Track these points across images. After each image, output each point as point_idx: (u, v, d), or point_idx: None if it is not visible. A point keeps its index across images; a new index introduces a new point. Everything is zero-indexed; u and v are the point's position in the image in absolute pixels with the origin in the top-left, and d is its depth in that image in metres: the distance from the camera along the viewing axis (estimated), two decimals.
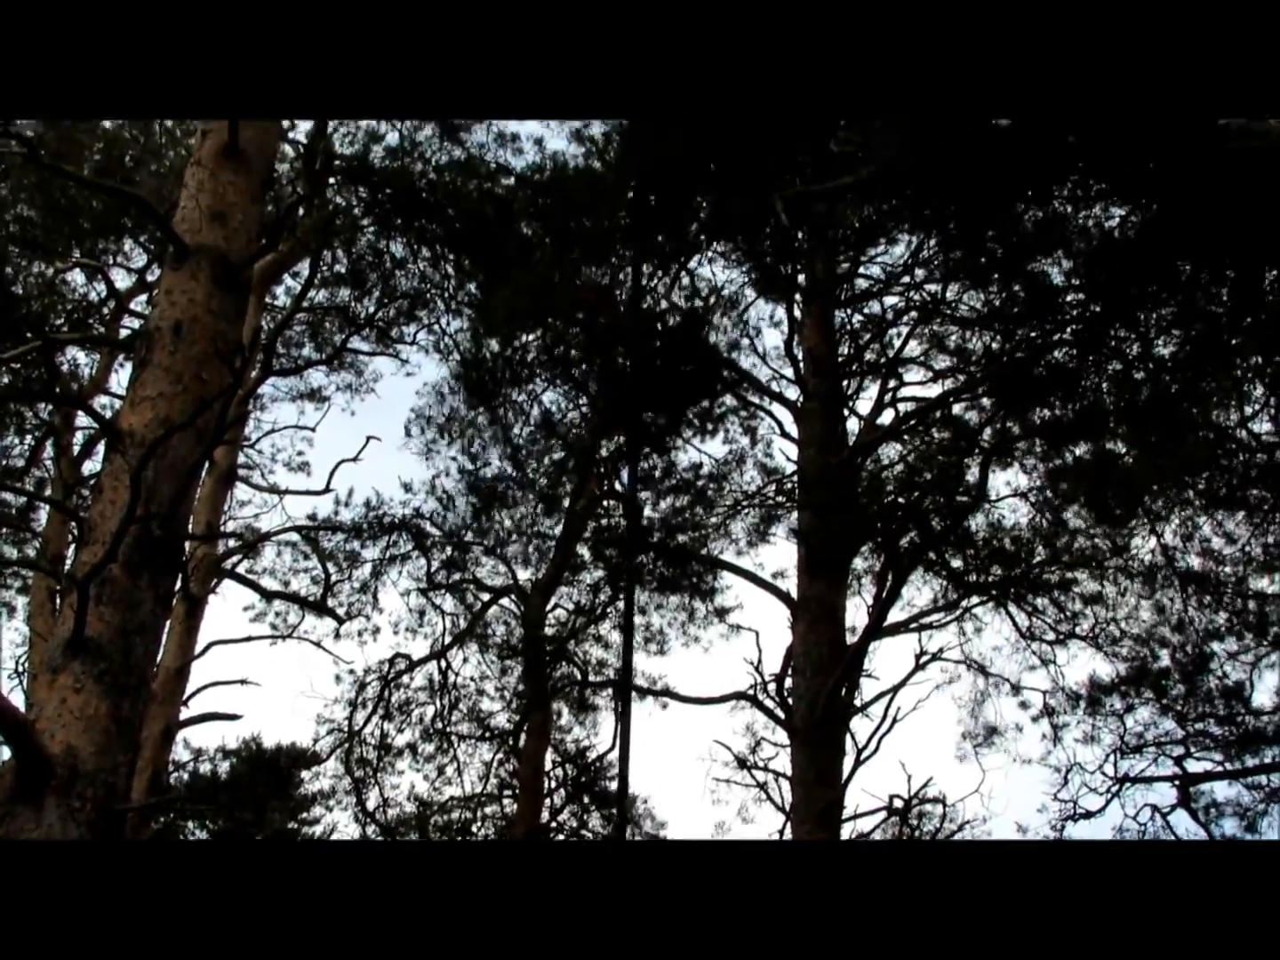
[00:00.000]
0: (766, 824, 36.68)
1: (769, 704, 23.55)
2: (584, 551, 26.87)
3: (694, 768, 54.38)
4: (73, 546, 22.15)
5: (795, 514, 23.58)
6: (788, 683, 22.45)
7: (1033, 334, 19.85)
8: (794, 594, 22.54)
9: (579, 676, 27.85)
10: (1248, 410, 20.35)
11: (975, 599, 23.91)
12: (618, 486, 25.19)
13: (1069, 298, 19.22)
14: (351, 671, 28.08)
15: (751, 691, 23.98)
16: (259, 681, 30.24)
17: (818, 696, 21.10)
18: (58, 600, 21.48)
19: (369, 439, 27.05)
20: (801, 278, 23.46)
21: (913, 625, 23.53)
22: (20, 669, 25.22)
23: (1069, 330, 19.55)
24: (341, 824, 35.96)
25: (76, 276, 26.80)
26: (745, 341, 24.20)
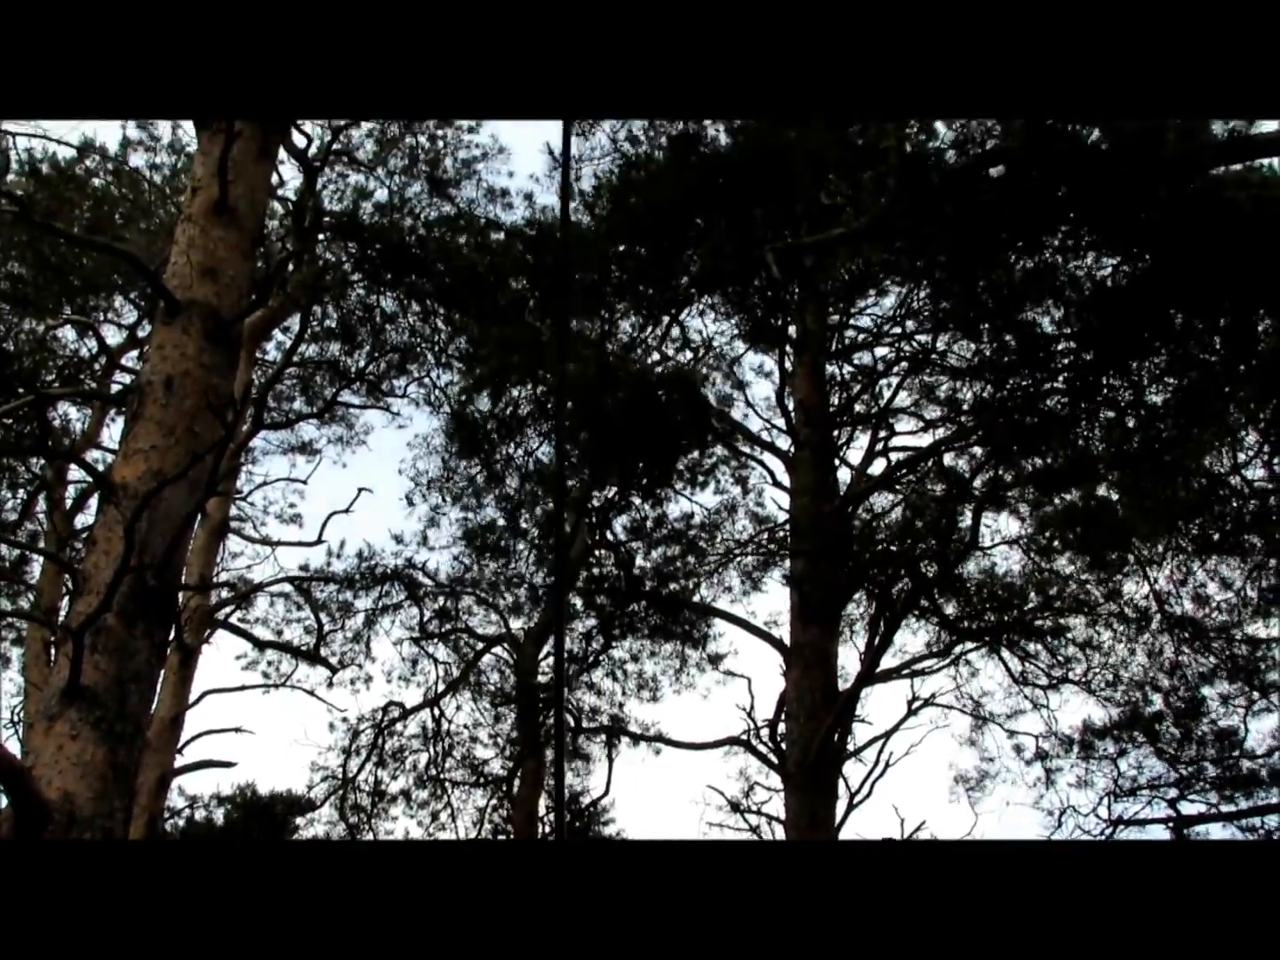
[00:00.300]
0: None
1: (762, 749, 23.61)
2: (576, 600, 26.94)
3: (687, 812, 54.34)
4: (67, 598, 22.21)
5: (788, 561, 23.61)
6: (781, 728, 22.48)
7: (1024, 383, 19.92)
8: (787, 640, 22.59)
9: (572, 723, 27.88)
10: (1241, 457, 20.42)
11: (968, 644, 23.97)
12: (609, 536, 25.25)
13: (1060, 346, 19.31)
14: (345, 719, 28.08)
15: (744, 737, 24.05)
16: (253, 730, 30.25)
17: (811, 741, 21.12)
18: (53, 651, 21.49)
19: (360, 491, 27.13)
20: (792, 329, 23.56)
21: (905, 671, 23.62)
22: (16, 719, 25.25)
23: (1061, 379, 19.62)
24: None
25: (67, 333, 26.93)
26: (736, 393, 24.36)
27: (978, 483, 22.17)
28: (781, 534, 24.81)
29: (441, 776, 28.12)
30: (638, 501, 25.17)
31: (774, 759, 22.72)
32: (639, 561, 25.43)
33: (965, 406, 22.12)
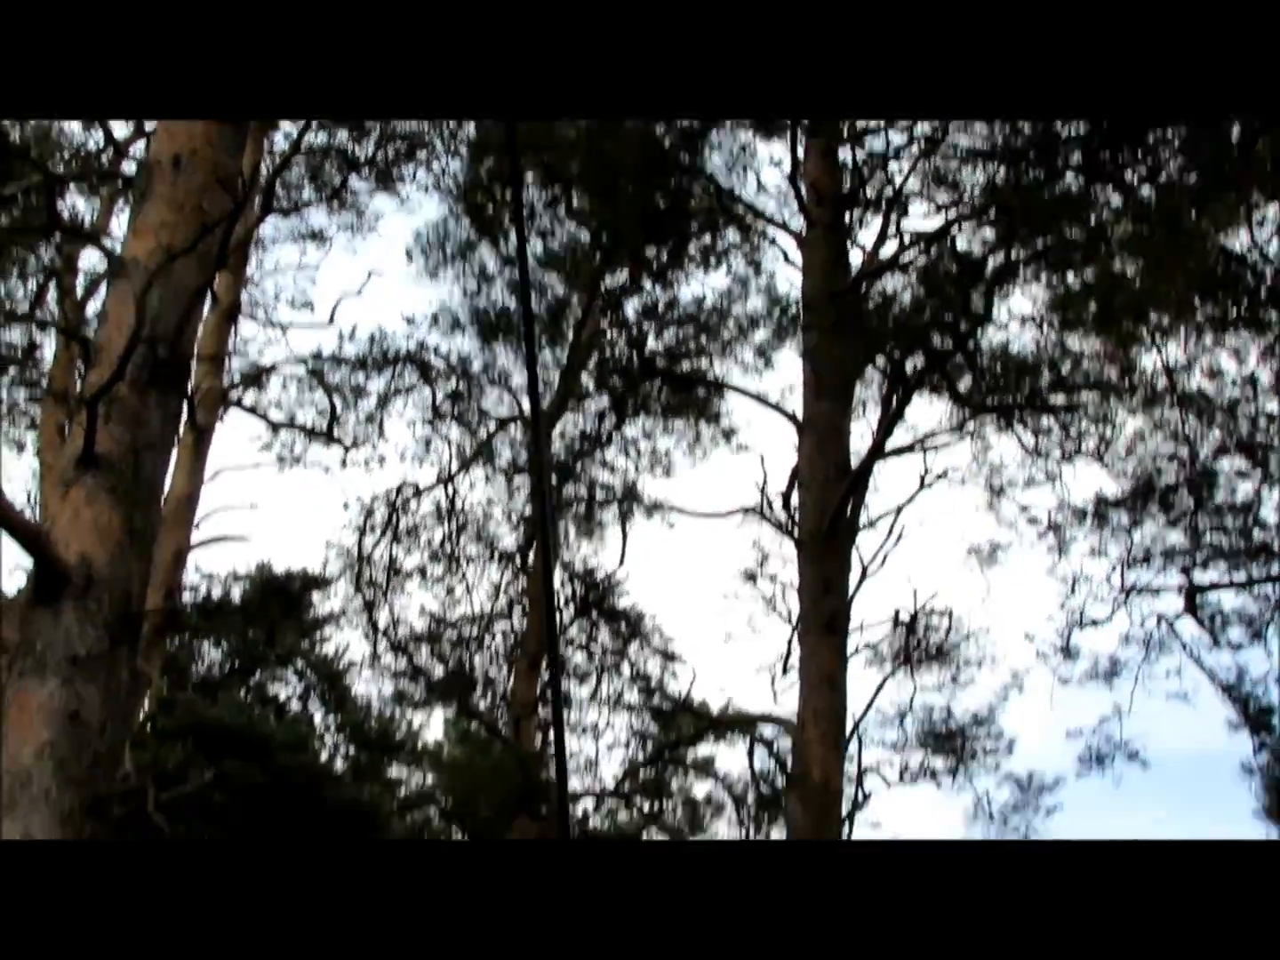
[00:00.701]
0: (774, 633, 36.97)
1: (775, 518, 23.77)
2: (588, 381, 27.03)
3: (701, 584, 54.39)
4: (79, 382, 22.22)
5: (801, 335, 23.59)
6: (794, 500, 22.60)
7: (1038, 163, 19.82)
8: (800, 415, 22.66)
9: (585, 495, 28.06)
10: (1261, 235, 20.33)
11: (981, 418, 23.99)
12: (621, 318, 25.29)
13: (1074, 128, 19.19)
14: (359, 499, 28.18)
15: (758, 508, 24.16)
16: (266, 507, 30.35)
17: (823, 511, 21.28)
18: (66, 431, 21.55)
19: (370, 274, 27.04)
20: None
21: (917, 447, 23.65)
22: (32, 501, 25.36)
23: (1076, 156, 19.50)
24: (353, 643, 36.29)
25: (74, 126, 26.67)
26: (749, 177, 24.29)
27: (990, 264, 22.12)
28: (794, 311, 24.80)
29: (456, 553, 28.42)
30: (649, 286, 25.22)
31: (788, 527, 22.86)
32: (651, 345, 25.52)
33: (978, 189, 22.03)
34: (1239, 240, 20.58)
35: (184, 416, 13.05)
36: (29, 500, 25.12)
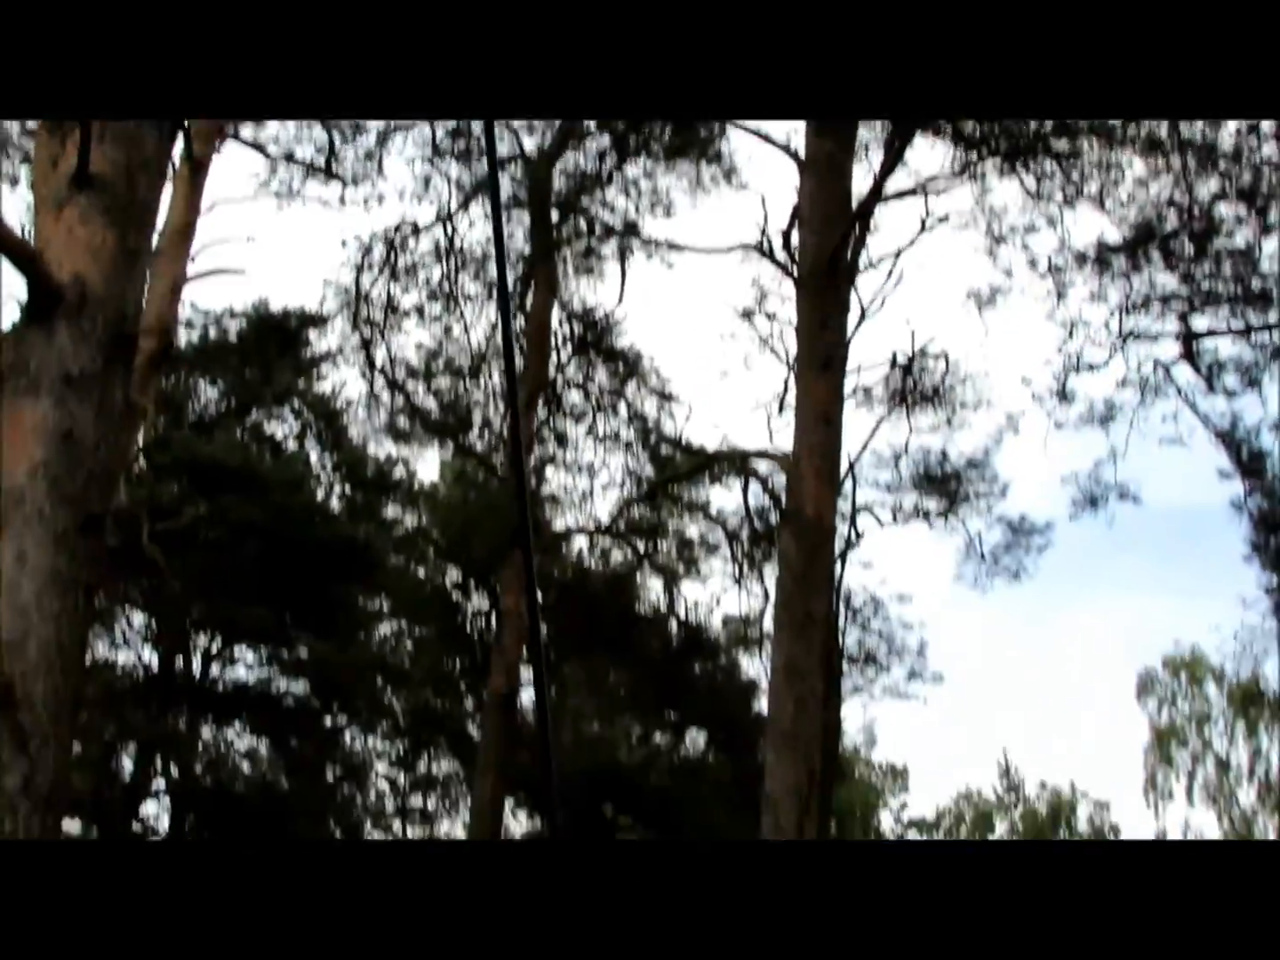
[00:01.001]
0: (771, 373, 36.93)
1: (775, 257, 23.55)
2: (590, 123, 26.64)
3: (699, 324, 54.06)
4: None
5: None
6: (794, 239, 22.39)
7: None
8: (801, 154, 22.39)
9: (585, 231, 27.71)
10: None
11: (984, 162, 23.70)
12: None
13: None
14: (357, 237, 27.81)
15: (758, 245, 23.93)
16: (264, 244, 29.96)
17: (824, 249, 21.09)
18: (58, 162, 21.21)
19: None
20: None
21: (919, 190, 23.40)
22: (26, 234, 25.14)
23: None
24: (350, 382, 36.11)
25: None
26: None
27: None
28: None
29: (454, 292, 28.06)
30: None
31: (787, 266, 22.68)
32: None
33: None
34: None
35: (179, 143, 12.89)
36: (23, 234, 24.87)
